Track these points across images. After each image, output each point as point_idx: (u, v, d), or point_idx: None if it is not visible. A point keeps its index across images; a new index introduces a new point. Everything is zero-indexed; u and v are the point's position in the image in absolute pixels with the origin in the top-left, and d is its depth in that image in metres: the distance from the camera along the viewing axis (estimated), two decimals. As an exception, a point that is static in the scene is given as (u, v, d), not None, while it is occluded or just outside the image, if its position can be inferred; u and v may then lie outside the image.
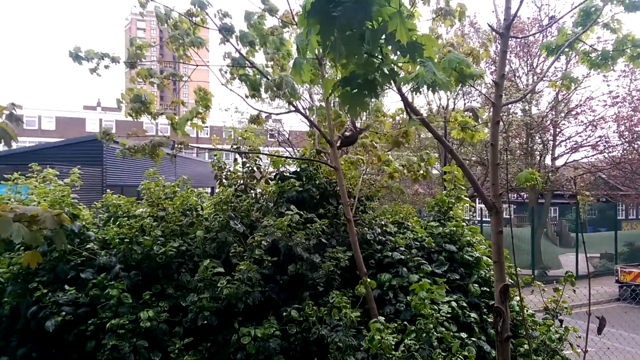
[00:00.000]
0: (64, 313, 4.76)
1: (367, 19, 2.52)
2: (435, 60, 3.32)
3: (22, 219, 3.10)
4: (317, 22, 2.55)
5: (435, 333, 4.39)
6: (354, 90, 3.09)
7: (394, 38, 2.64)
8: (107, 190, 6.92)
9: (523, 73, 22.73)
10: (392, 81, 3.42)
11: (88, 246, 5.52)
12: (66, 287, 4.99)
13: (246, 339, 4.65)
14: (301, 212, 5.67)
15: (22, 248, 5.29)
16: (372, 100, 3.27)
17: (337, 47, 2.66)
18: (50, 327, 4.67)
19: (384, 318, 4.23)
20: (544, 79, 19.07)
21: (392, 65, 3.15)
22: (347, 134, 6.46)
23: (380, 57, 3.05)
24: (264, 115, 6.75)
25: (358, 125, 6.79)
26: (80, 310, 4.86)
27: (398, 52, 2.90)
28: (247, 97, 6.22)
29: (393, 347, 4.07)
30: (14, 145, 3.40)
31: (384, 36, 2.76)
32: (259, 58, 6.03)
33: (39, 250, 4.81)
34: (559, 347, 4.90)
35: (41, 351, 4.93)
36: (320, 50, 4.26)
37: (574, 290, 4.75)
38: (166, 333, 4.84)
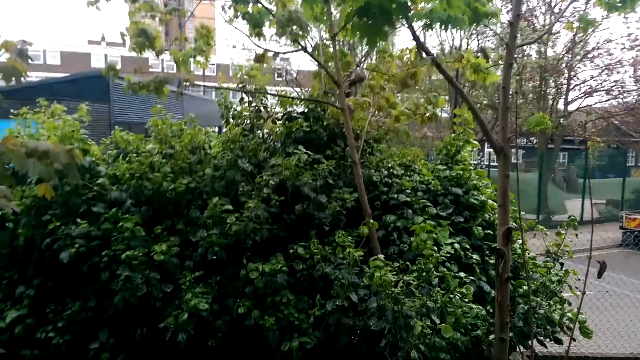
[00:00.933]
0: (77, 245, 4.91)
1: None
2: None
3: (34, 154, 3.12)
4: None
5: (435, 272, 4.51)
6: (370, 21, 3.02)
7: None
8: (115, 126, 6.93)
9: (540, 12, 21.84)
10: (405, 17, 3.32)
11: (99, 181, 5.60)
12: (78, 220, 5.12)
13: (254, 273, 4.81)
14: (309, 153, 5.69)
15: (33, 181, 5.38)
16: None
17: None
18: (65, 258, 4.84)
19: (384, 256, 4.34)
20: (561, 19, 18.35)
21: None
22: (353, 76, 6.34)
23: None
24: (270, 53, 6.60)
25: (364, 67, 6.64)
26: (93, 243, 5.01)
27: None
28: (251, 35, 6.08)
29: (393, 283, 4.21)
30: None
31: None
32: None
33: (51, 184, 4.89)
34: (558, 289, 5.03)
35: (56, 281, 5.14)
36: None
37: (577, 235, 4.81)
38: (177, 266, 5.01)
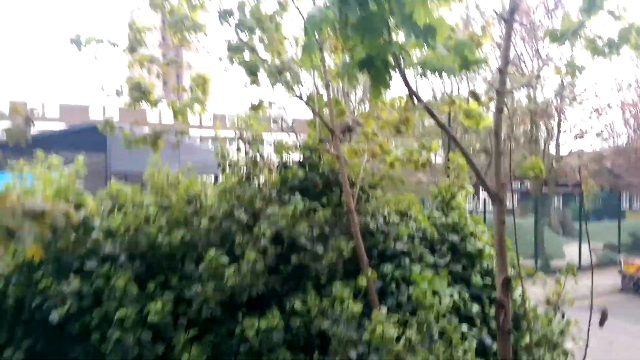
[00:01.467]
0: (68, 305, 4.79)
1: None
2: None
3: (31, 214, 3.12)
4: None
5: (436, 325, 4.41)
6: (372, 72, 3.13)
7: (410, 18, 2.67)
8: (112, 177, 6.94)
9: (528, 57, 22.46)
10: (398, 66, 3.43)
11: (93, 236, 5.52)
12: (71, 277, 5.02)
13: (251, 330, 4.65)
14: (305, 201, 5.68)
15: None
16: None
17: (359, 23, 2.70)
18: (55, 318, 4.71)
19: (386, 309, 4.25)
20: (549, 63, 18.85)
21: (400, 48, 3.17)
22: (348, 122, 6.45)
23: (387, 40, 3.07)
24: (266, 102, 6.71)
25: (356, 113, 6.75)
26: (85, 302, 4.90)
27: (411, 34, 2.91)
28: (248, 84, 6.18)
29: (394, 339, 4.10)
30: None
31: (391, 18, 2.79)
32: (254, 42, 5.94)
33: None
34: (560, 340, 4.92)
35: (46, 343, 4.97)
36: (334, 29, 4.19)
37: (576, 282, 4.75)
38: (170, 325, 4.87)
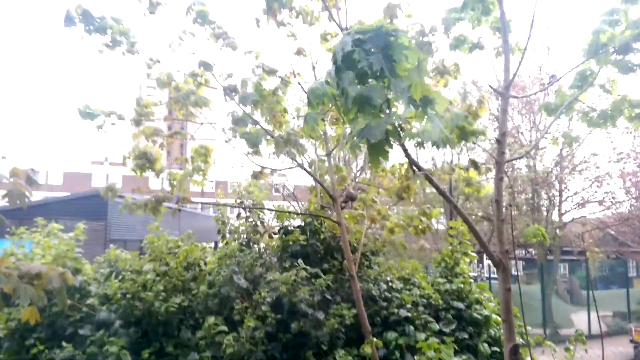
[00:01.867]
0: (59, 372, 4.62)
1: (390, 72, 2.64)
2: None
3: (27, 277, 3.08)
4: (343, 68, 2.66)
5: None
6: (371, 143, 3.17)
7: (408, 93, 2.75)
8: (111, 245, 6.91)
9: (526, 129, 22.99)
10: (398, 137, 3.49)
11: (88, 302, 5.43)
12: (64, 343, 4.87)
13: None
14: (306, 268, 5.61)
15: (20, 304, 5.20)
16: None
17: (358, 96, 2.78)
18: (45, 387, 4.52)
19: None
20: (546, 136, 19.23)
21: (399, 120, 3.24)
22: (350, 191, 6.50)
23: (387, 111, 3.14)
24: (267, 170, 6.81)
25: (358, 180, 6.83)
26: (76, 370, 4.72)
27: (410, 106, 2.99)
28: (250, 154, 6.30)
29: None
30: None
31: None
32: (257, 116, 6.11)
33: (38, 306, 4.72)
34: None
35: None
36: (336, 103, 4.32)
37: (586, 350, 4.56)
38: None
